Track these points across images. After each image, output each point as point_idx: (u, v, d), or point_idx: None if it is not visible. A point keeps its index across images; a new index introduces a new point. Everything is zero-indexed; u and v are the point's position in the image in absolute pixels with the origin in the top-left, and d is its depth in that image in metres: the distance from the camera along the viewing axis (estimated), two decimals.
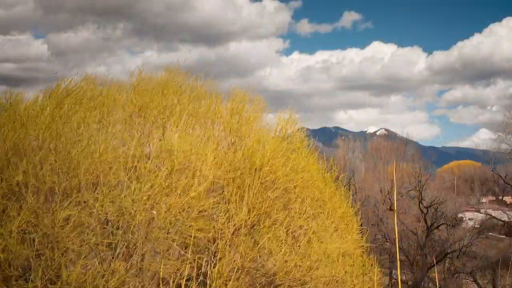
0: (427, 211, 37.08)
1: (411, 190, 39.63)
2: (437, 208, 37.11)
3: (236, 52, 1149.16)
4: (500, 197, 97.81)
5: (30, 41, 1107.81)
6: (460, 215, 73.34)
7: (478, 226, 69.57)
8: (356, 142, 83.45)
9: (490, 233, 54.11)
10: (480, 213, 73.31)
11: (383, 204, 38.66)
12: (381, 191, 40.27)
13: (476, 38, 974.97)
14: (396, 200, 37.67)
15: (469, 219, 74.34)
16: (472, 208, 76.48)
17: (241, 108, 10.70)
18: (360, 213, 12.95)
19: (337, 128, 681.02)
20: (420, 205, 37.49)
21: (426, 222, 36.72)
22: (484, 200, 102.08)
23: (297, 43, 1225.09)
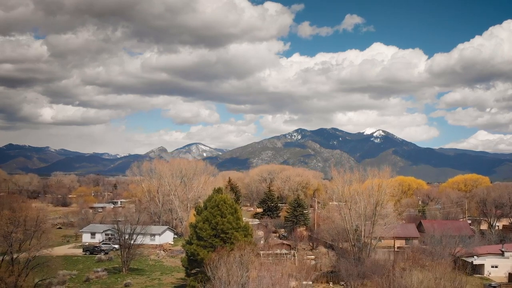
0: None
1: None
2: None
3: (237, 54, 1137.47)
4: None
5: (30, 42, 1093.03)
6: (479, 261, 63.93)
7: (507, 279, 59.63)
8: (355, 173, 72.77)
9: None
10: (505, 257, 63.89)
11: None
12: None
13: (477, 40, 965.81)
14: None
15: (492, 266, 64.81)
16: (494, 250, 65.84)
17: None
18: None
19: (335, 129, 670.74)
20: None
21: None
22: (498, 224, 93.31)
23: (298, 45, 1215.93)
